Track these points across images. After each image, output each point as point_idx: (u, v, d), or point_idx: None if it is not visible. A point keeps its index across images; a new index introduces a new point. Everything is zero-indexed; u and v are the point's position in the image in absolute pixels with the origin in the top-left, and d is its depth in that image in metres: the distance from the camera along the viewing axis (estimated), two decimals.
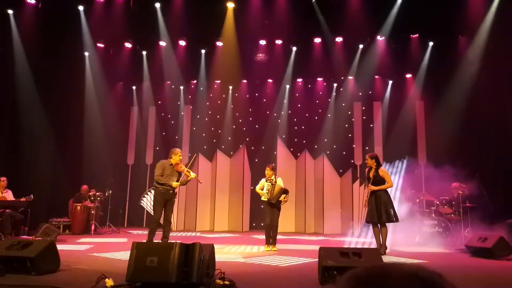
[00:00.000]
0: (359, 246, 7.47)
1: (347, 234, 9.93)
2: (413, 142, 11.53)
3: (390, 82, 12.15)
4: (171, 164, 6.57)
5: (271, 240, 6.87)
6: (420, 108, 11.77)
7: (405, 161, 10.01)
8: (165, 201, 6.43)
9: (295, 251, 6.80)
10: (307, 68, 11.74)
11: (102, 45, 11.51)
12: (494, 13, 9.74)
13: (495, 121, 9.68)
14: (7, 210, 7.98)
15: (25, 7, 9.79)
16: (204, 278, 3.71)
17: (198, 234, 10.23)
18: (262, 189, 6.96)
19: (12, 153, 9.60)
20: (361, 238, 9.50)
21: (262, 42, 11.52)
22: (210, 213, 11.41)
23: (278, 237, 7.21)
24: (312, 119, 12.45)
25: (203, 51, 12.05)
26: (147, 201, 10.79)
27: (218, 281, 3.79)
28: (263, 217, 7.57)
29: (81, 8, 10.47)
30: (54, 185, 10.55)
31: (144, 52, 12.11)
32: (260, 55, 11.62)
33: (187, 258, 3.59)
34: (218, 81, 12.82)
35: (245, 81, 12.81)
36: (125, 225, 11.85)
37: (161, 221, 6.70)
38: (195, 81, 12.75)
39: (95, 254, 6.04)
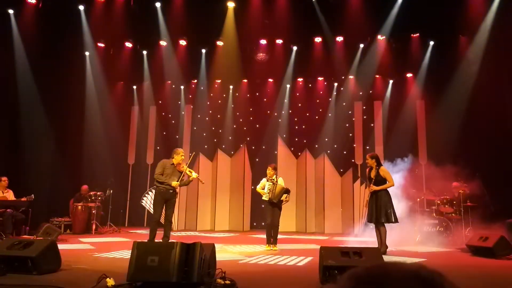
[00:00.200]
0: (359, 245, 7.46)
1: (347, 234, 9.92)
2: (413, 141, 11.52)
3: (391, 81, 12.14)
4: (173, 164, 6.55)
5: (272, 239, 6.88)
6: (420, 108, 11.76)
7: (406, 160, 9.97)
8: (165, 200, 6.42)
9: (296, 251, 6.80)
10: (308, 68, 11.74)
11: (102, 45, 11.51)
12: (494, 12, 9.73)
13: (496, 120, 9.67)
14: (8, 210, 7.98)
15: (26, 6, 9.79)
16: (205, 278, 3.70)
17: (199, 233, 10.24)
18: (263, 189, 6.97)
19: (12, 153, 9.59)
20: (362, 237, 9.49)
21: (263, 42, 11.53)
22: (211, 212, 11.42)
23: (279, 236, 7.22)
24: (312, 118, 12.44)
25: (203, 51, 12.07)
26: (148, 201, 10.79)
27: (219, 280, 3.79)
28: (263, 217, 7.58)
29: (81, 7, 10.47)
30: (55, 185, 10.54)
31: (144, 52, 12.12)
32: (261, 54, 11.61)
33: (188, 257, 3.59)
34: (219, 81, 12.83)
35: (245, 80, 12.81)
36: (126, 225, 11.87)
37: (162, 220, 6.70)
38: (195, 81, 12.76)
39: (96, 253, 6.04)
